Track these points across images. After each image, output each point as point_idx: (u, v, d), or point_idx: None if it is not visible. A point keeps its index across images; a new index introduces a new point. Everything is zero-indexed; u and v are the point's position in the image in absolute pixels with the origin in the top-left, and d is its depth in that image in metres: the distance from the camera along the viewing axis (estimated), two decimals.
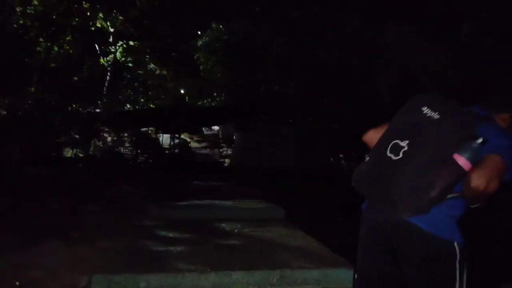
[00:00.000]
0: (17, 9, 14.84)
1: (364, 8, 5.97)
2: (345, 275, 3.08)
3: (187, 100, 26.46)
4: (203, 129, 28.76)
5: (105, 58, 21.82)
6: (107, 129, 20.85)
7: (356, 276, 1.92)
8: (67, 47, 17.66)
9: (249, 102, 16.85)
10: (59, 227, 4.21)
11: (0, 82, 11.15)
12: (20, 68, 13.58)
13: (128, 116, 20.64)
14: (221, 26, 19.47)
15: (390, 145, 1.68)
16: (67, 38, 16.62)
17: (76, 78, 18.45)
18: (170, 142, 22.84)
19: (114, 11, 16.15)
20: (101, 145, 20.13)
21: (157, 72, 24.54)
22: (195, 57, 22.74)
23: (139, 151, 19.60)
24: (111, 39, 21.68)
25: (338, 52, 6.66)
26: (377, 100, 7.61)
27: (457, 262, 1.62)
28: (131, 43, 22.07)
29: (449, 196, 1.59)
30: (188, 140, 25.26)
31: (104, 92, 22.67)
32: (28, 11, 14.67)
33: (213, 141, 26.93)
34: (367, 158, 1.81)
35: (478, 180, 1.50)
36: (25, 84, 12.93)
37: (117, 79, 23.05)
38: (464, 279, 1.65)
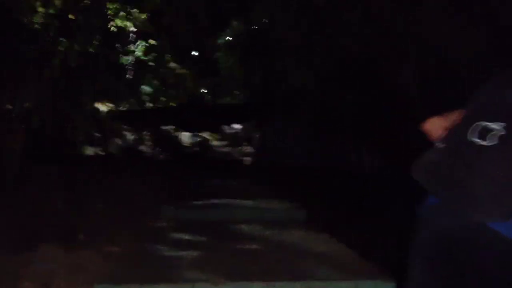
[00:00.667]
0: (40, 10, 14.85)
1: None
2: None
3: (206, 98, 26.25)
4: (224, 127, 28.52)
5: (125, 57, 21.80)
6: (127, 127, 20.81)
7: None
8: (88, 46, 17.62)
9: (269, 99, 16.44)
10: (60, 228, 3.90)
11: (17, 82, 11.07)
12: (38, 66, 13.53)
13: (148, 114, 20.55)
14: (239, 23, 19.13)
15: (476, 128, 1.23)
16: (87, 37, 16.55)
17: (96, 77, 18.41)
18: (190, 140, 22.67)
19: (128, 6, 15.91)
20: (121, 143, 20.06)
21: (177, 70, 24.40)
22: (215, 55, 22.49)
23: (158, 149, 19.47)
24: (131, 38, 21.62)
25: (361, 39, 6.16)
26: (402, 92, 7.08)
27: None
28: (151, 41, 21.97)
29: None
30: (209, 138, 25.05)
31: (125, 91, 22.69)
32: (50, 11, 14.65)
33: (234, 139, 26.65)
34: (438, 145, 1.37)
35: None
36: (43, 83, 12.86)
37: (138, 77, 23.00)
38: None
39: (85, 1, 14.81)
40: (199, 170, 13.24)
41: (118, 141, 20.18)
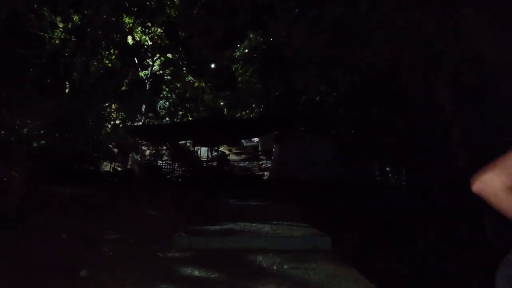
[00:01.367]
0: (60, 25, 14.95)
1: None
2: None
3: (225, 112, 26.06)
4: (242, 140, 28.28)
5: (143, 72, 21.86)
6: (145, 143, 20.75)
7: None
8: (106, 61, 17.68)
9: (288, 113, 16.08)
10: (65, 261, 3.60)
11: (36, 97, 11.02)
12: (57, 82, 13.56)
13: (166, 129, 20.41)
14: (257, 36, 18.94)
15: None
16: (106, 52, 16.60)
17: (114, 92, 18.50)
18: (208, 154, 22.45)
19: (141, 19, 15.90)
20: (139, 159, 19.96)
21: (195, 84, 24.31)
22: (232, 68, 22.33)
23: (176, 164, 19.26)
24: (148, 53, 21.73)
25: (388, 52, 5.77)
26: (434, 108, 6.62)
27: None
28: (168, 55, 21.99)
29: None
30: (227, 152, 24.78)
31: (143, 106, 22.71)
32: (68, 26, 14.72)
33: (252, 153, 26.33)
34: None
35: None
36: (61, 98, 12.84)
37: (155, 92, 23.01)
38: None
39: (103, 16, 14.87)
40: (217, 188, 12.92)
41: (136, 156, 20.09)
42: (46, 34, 14.19)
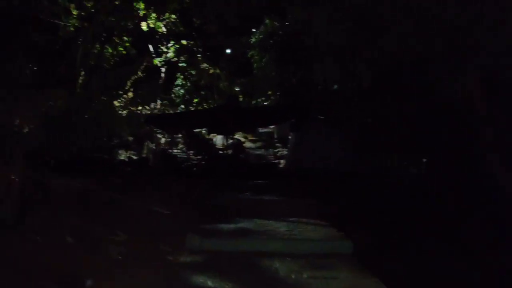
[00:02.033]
0: (74, 12, 14.74)
1: None
2: None
3: (240, 98, 25.74)
4: (258, 129, 27.97)
5: (158, 59, 21.64)
6: (160, 131, 20.64)
7: None
8: (121, 48, 17.47)
9: (304, 101, 15.69)
10: (65, 267, 3.39)
11: (51, 84, 10.87)
12: (72, 69, 13.43)
13: (181, 117, 20.24)
14: (273, 22, 18.48)
15: None
16: (119, 40, 16.38)
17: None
18: (224, 142, 22.24)
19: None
20: (154, 147, 19.87)
21: (210, 71, 24.00)
22: (248, 55, 21.92)
23: (192, 152, 19.12)
24: (162, 39, 21.46)
25: (415, 43, 5.37)
26: (461, 102, 6.19)
27: None
28: (183, 42, 21.67)
29: None
30: (243, 139, 24.57)
31: (158, 93, 22.56)
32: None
33: (268, 141, 26.05)
34: None
35: None
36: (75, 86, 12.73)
37: (170, 79, 22.79)
38: None
39: (115, 2, 14.61)
40: (232, 177, 12.73)
41: (151, 145, 20.01)
42: (59, 22, 14.01)
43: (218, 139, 23.01)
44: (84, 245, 3.94)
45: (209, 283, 3.44)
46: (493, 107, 5.35)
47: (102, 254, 3.89)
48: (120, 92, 17.09)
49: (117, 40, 16.29)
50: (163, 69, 22.44)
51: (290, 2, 8.62)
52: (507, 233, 4.98)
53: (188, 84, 24.39)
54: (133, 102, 18.39)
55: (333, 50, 7.56)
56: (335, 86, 10.35)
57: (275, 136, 26.47)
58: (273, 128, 27.50)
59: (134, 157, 17.65)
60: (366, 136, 11.08)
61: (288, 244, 4.59)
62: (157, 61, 21.89)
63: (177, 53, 21.96)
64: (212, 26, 16.81)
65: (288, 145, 20.14)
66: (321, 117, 14.65)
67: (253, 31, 21.01)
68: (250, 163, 18.13)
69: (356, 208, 7.21)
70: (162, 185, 8.41)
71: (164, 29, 20.84)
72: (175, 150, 20.63)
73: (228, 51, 24.42)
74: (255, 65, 21.80)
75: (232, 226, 5.37)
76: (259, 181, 12.01)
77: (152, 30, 20.13)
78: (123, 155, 17.60)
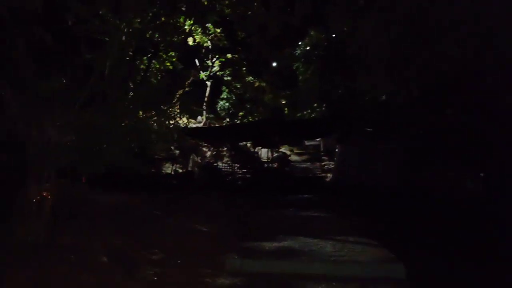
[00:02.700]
0: (124, 30, 15.19)
1: None
2: None
3: (285, 111, 25.57)
4: (304, 142, 27.60)
5: (204, 73, 21.96)
6: (205, 144, 20.80)
7: None
8: (168, 63, 17.84)
9: (351, 113, 15.22)
10: None
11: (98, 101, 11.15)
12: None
13: (226, 130, 20.35)
14: (318, 34, 18.25)
15: None
16: (165, 55, 16.71)
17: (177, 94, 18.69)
18: (269, 155, 22.08)
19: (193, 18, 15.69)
20: (200, 160, 20.02)
21: (255, 84, 24.04)
22: (293, 67, 21.77)
23: (237, 165, 19.08)
24: (207, 53, 21.81)
25: (471, 51, 4.94)
26: None
27: None
28: (228, 56, 21.89)
29: None
30: (288, 152, 24.29)
31: (204, 107, 22.84)
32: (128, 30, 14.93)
33: (314, 154, 25.59)
34: None
35: None
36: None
37: (215, 93, 23.04)
38: None
39: (162, 19, 14.94)
40: (277, 191, 12.50)
41: (197, 158, 20.18)
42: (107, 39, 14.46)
43: (263, 152, 22.86)
44: (120, 266, 3.83)
45: None
46: None
47: (138, 278, 3.75)
48: (164, 107, 17.36)
49: (163, 55, 16.65)
50: (208, 83, 22.74)
51: (334, 13, 8.34)
52: None
53: (233, 97, 24.58)
54: (177, 116, 18.63)
55: (383, 59, 7.17)
56: (383, 96, 9.87)
57: (322, 148, 26.01)
58: (319, 140, 27.05)
59: (180, 170, 17.85)
60: (417, 149, 10.48)
61: (334, 266, 4.27)
62: (203, 75, 22.23)
63: (222, 66, 22.22)
64: (256, 38, 16.81)
65: (335, 158, 19.62)
66: (369, 130, 14.12)
67: (299, 43, 20.87)
68: (295, 177, 17.79)
69: (409, 227, 6.73)
70: (205, 200, 8.32)
71: (209, 43, 21.19)
72: (220, 164, 20.68)
73: (273, 64, 24.40)
74: (300, 77, 21.61)
75: (275, 245, 5.12)
76: (305, 196, 11.67)
77: (198, 45, 20.52)
78: (169, 169, 17.84)
